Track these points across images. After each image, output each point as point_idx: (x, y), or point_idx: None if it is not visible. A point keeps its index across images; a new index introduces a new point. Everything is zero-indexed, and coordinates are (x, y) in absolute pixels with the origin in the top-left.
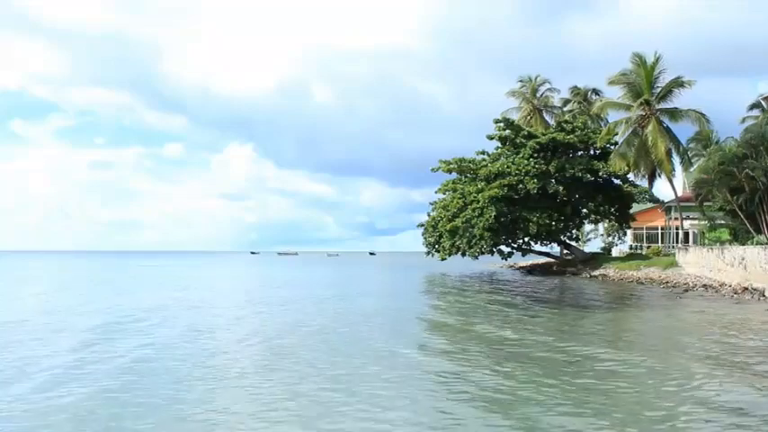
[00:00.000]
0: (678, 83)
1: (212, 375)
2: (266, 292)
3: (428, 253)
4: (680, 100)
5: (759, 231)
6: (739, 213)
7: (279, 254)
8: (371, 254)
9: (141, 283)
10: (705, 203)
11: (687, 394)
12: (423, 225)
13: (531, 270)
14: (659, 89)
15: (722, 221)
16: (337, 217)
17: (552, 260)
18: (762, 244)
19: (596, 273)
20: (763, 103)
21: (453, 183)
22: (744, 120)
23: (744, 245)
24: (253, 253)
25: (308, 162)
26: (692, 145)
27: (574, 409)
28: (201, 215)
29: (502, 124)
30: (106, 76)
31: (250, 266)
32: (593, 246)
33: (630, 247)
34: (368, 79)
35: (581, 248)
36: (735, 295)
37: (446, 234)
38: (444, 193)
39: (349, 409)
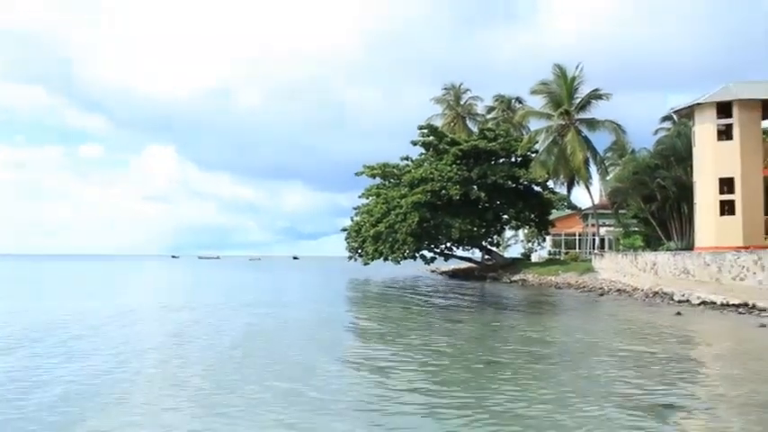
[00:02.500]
0: (596, 95)
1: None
2: (169, 299)
3: (351, 257)
4: (598, 111)
5: (669, 238)
6: (652, 221)
7: (200, 258)
8: (295, 258)
9: (37, 290)
10: (620, 211)
11: (601, 393)
12: (346, 230)
13: (452, 275)
14: (578, 100)
15: (636, 228)
16: (261, 221)
17: (474, 265)
18: (672, 250)
19: (516, 278)
20: (673, 115)
21: (377, 188)
22: (656, 131)
23: (655, 251)
24: (174, 257)
25: (231, 165)
26: (608, 154)
27: (490, 412)
28: (122, 218)
29: (426, 130)
30: (25, 73)
31: (169, 271)
32: (514, 251)
33: (549, 253)
34: (295, 83)
35: (502, 254)
36: (647, 299)
37: (369, 239)
38: (368, 198)
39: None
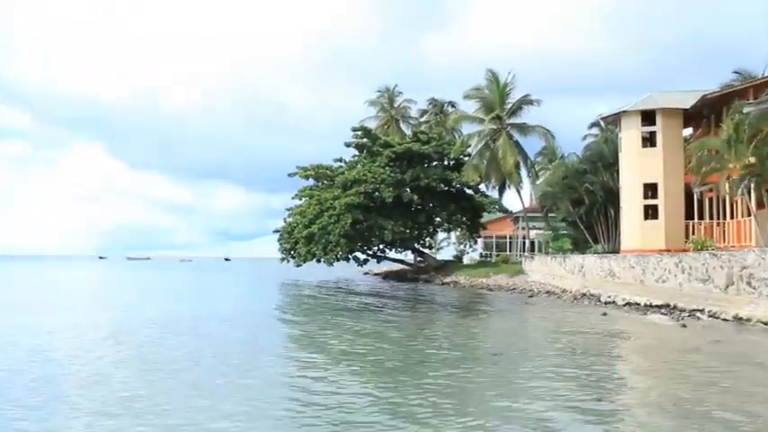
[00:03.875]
0: (527, 100)
1: None
2: (86, 301)
3: (283, 259)
4: (529, 116)
5: (597, 241)
6: (580, 224)
7: (128, 258)
8: (227, 260)
9: None
10: (550, 214)
11: (529, 392)
12: (279, 231)
13: (385, 277)
14: (510, 105)
15: (565, 232)
16: (192, 221)
17: (406, 267)
18: (599, 253)
19: (448, 279)
20: (601, 122)
21: (310, 189)
22: (585, 137)
23: (583, 254)
24: (101, 258)
25: (162, 165)
26: (538, 159)
27: (418, 413)
28: (48, 217)
29: (359, 132)
30: None
31: (94, 272)
32: (446, 253)
33: (481, 255)
34: (228, 83)
35: (434, 256)
36: (575, 300)
37: (302, 240)
38: (301, 200)
39: None
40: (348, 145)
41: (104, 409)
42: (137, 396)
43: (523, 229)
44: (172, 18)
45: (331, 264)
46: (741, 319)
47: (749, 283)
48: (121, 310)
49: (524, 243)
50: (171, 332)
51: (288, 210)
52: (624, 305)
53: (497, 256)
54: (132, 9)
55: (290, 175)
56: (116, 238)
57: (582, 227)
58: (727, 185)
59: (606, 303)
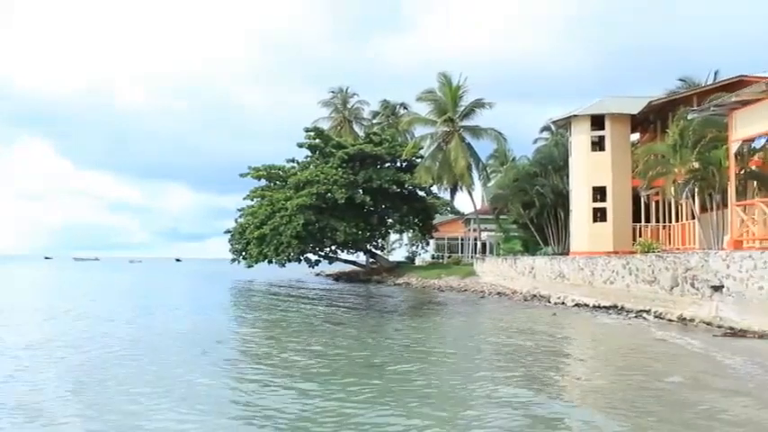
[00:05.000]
0: (479, 103)
1: None
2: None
3: (234, 260)
4: (481, 119)
5: (547, 243)
6: (530, 226)
7: (75, 259)
8: (178, 260)
9: None
10: (501, 216)
11: (481, 390)
12: (230, 231)
13: (337, 278)
14: (462, 108)
15: (516, 233)
16: (142, 221)
17: (358, 268)
18: (549, 255)
19: (400, 281)
20: (552, 126)
21: (262, 190)
22: (536, 141)
23: (534, 255)
24: (47, 258)
25: (112, 164)
26: (490, 162)
27: (369, 413)
28: None
29: (312, 133)
30: None
31: (36, 273)
32: (398, 255)
33: (433, 257)
34: (180, 83)
35: (386, 257)
36: (525, 301)
37: (254, 241)
38: (253, 200)
39: None
40: (301, 146)
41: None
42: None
43: (475, 230)
44: (121, 15)
45: (283, 265)
46: (685, 319)
47: (693, 285)
48: (51, 314)
49: (476, 245)
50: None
51: (239, 210)
52: (573, 306)
53: (449, 257)
54: (81, 3)
55: (241, 175)
56: (63, 238)
57: (532, 229)
58: (672, 189)
59: (556, 304)
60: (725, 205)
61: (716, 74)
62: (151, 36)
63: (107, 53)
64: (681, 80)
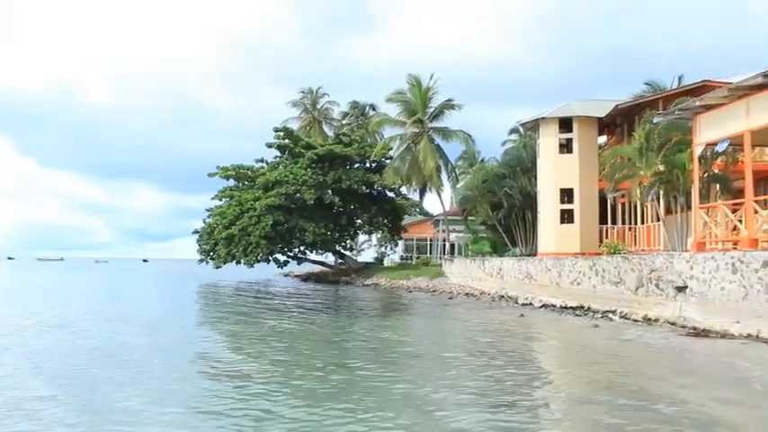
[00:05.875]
0: (448, 105)
1: None
2: None
3: (202, 260)
4: (451, 121)
5: (515, 244)
6: (498, 227)
7: (39, 259)
8: (145, 261)
9: None
10: (469, 218)
11: (450, 391)
12: (198, 232)
13: (306, 279)
14: (432, 109)
15: (484, 235)
16: (108, 221)
17: (327, 269)
18: (517, 256)
19: (369, 282)
20: (520, 128)
21: (231, 190)
22: (504, 143)
23: (502, 257)
24: (9, 258)
25: (77, 163)
26: (459, 163)
27: (337, 414)
28: None
29: (281, 133)
30: None
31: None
32: (367, 256)
33: (401, 258)
34: (147, 81)
35: (355, 258)
36: (493, 302)
37: (222, 241)
38: (221, 200)
39: None
40: (270, 146)
41: None
42: None
43: (444, 231)
44: (90, 12)
45: (251, 265)
46: (650, 319)
47: (657, 285)
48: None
49: (444, 246)
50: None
51: (208, 210)
52: (541, 307)
53: (418, 258)
54: (52, 2)
55: (210, 175)
56: (27, 238)
57: (501, 230)
58: (638, 191)
59: (523, 305)
60: (689, 208)
61: (680, 78)
62: (120, 35)
63: (74, 50)
64: (647, 84)
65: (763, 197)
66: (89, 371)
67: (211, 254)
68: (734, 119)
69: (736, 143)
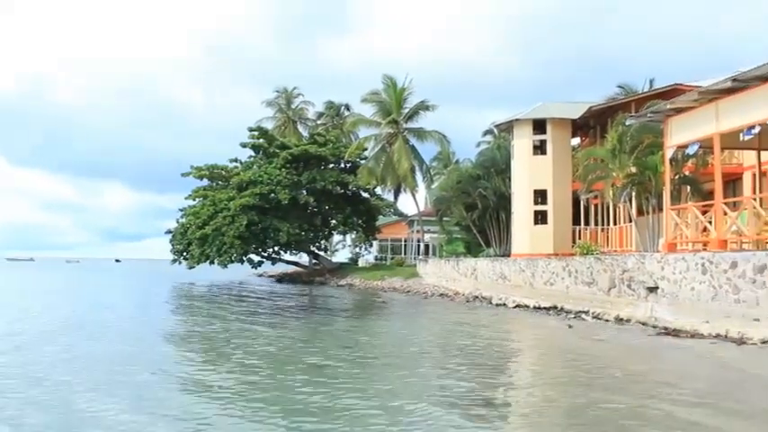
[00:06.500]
0: (423, 106)
1: None
2: None
3: (175, 261)
4: (426, 121)
5: (489, 245)
6: (473, 228)
7: (9, 259)
8: (117, 261)
9: None
10: (444, 218)
11: (424, 391)
12: (171, 232)
13: (280, 279)
14: (407, 110)
15: (458, 235)
16: (79, 220)
17: (301, 269)
18: (491, 257)
19: (343, 282)
20: (494, 129)
21: (205, 189)
22: (479, 144)
23: (476, 257)
24: None
25: (48, 161)
26: (434, 164)
27: (312, 416)
28: None
29: (256, 133)
30: None
31: None
32: (341, 256)
33: (376, 258)
34: (120, 82)
35: (329, 258)
36: (468, 302)
37: (196, 242)
38: (195, 200)
39: None
40: (244, 145)
41: None
42: None
43: (418, 232)
44: (61, 11)
45: (225, 266)
46: (622, 319)
47: (629, 286)
48: None
49: (419, 246)
50: None
51: (181, 210)
52: (514, 307)
53: (392, 258)
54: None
55: (183, 174)
56: None
57: (475, 231)
58: (611, 193)
59: (497, 305)
60: (660, 209)
61: (651, 82)
62: (93, 33)
63: (45, 49)
64: (619, 87)
65: (732, 199)
66: (55, 376)
67: (185, 254)
68: (704, 122)
69: (706, 146)
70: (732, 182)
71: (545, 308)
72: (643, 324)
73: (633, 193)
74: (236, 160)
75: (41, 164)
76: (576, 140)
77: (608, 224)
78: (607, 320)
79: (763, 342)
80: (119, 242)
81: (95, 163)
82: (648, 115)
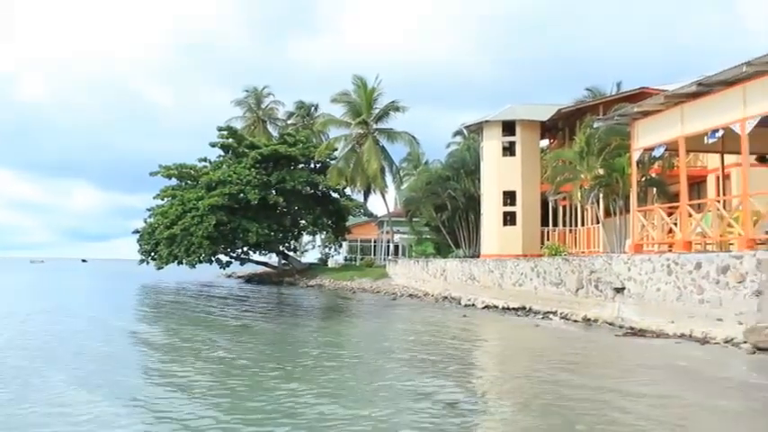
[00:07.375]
0: (394, 106)
1: None
2: None
3: (142, 261)
4: (396, 122)
5: (458, 246)
6: (442, 229)
7: None
8: (84, 261)
9: None
10: (413, 219)
11: (393, 391)
12: (139, 232)
13: (249, 279)
14: (377, 111)
15: (428, 236)
16: (44, 220)
17: (270, 270)
18: (460, 257)
19: (313, 282)
20: (464, 131)
21: (173, 189)
22: (449, 145)
23: (445, 258)
24: None
25: (11, 160)
26: (404, 164)
27: (280, 417)
28: None
29: (225, 132)
30: None
31: None
32: (311, 256)
33: (346, 259)
34: (88, 81)
35: (299, 259)
36: (437, 303)
37: (164, 242)
38: (163, 200)
39: None
40: (213, 145)
41: None
42: None
43: (388, 233)
44: (37, 9)
45: (193, 266)
46: (589, 320)
47: (596, 287)
48: None
49: (389, 247)
50: None
51: (149, 210)
52: (483, 308)
53: (362, 259)
54: None
55: (151, 174)
56: None
57: (444, 232)
58: (579, 194)
59: (466, 306)
60: (627, 210)
61: (618, 85)
62: (61, 32)
63: (10, 47)
64: (588, 90)
65: (697, 201)
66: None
67: (153, 254)
68: (670, 125)
69: (671, 148)
70: (697, 184)
71: (513, 308)
72: (610, 324)
73: (601, 195)
74: (205, 160)
75: (6, 163)
76: (544, 142)
77: (576, 225)
78: (575, 321)
79: (726, 341)
80: (85, 242)
81: (62, 162)
82: (616, 118)
